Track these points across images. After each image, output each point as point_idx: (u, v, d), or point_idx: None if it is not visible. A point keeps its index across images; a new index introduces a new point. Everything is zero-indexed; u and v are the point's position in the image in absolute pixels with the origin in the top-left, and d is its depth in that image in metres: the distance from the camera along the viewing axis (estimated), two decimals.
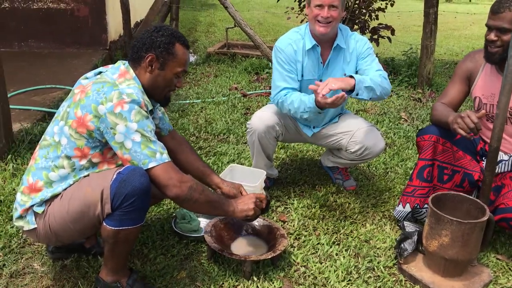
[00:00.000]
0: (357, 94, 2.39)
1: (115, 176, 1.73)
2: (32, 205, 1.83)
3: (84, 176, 1.86)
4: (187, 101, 4.45)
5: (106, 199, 1.72)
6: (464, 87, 2.52)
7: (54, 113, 3.62)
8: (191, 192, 1.83)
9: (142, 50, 1.89)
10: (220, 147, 3.46)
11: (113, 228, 1.75)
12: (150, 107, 1.93)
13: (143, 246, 2.30)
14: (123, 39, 5.83)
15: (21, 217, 1.87)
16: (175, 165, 1.86)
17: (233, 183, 2.27)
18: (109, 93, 1.77)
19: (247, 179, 2.59)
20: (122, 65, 1.92)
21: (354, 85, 2.36)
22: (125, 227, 1.76)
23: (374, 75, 2.51)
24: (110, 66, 1.98)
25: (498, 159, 2.30)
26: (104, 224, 1.77)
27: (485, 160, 2.36)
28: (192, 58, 6.19)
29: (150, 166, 1.77)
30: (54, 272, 2.12)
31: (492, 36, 2.24)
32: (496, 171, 2.35)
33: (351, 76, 2.40)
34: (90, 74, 1.96)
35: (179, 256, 2.26)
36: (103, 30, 5.52)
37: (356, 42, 2.65)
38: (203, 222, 2.50)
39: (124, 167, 1.76)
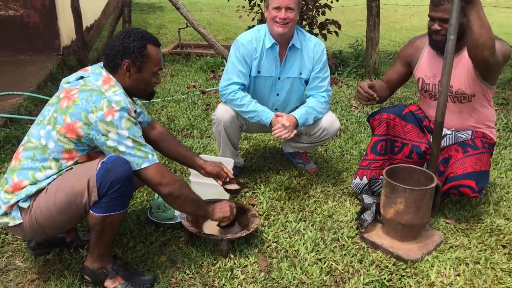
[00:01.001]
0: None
1: (99, 165, 1.85)
2: (17, 201, 1.91)
3: (67, 170, 1.95)
4: (147, 101, 4.53)
5: (92, 187, 1.84)
6: (402, 69, 2.79)
7: (17, 119, 3.67)
8: (181, 190, 2.01)
9: (117, 57, 1.97)
10: (185, 142, 3.59)
11: (100, 214, 1.87)
12: (134, 108, 2.05)
13: (122, 237, 2.41)
14: (76, 44, 5.81)
15: (5, 214, 1.94)
16: (159, 152, 2.01)
17: (214, 162, 2.45)
18: (98, 102, 1.86)
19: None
20: (103, 71, 2.00)
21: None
22: (111, 213, 1.88)
23: (317, 103, 2.84)
24: (89, 69, 2.04)
25: (443, 134, 2.57)
26: (91, 212, 1.88)
27: (431, 135, 2.63)
28: None
29: (143, 166, 1.91)
30: (38, 267, 2.19)
31: (436, 26, 2.49)
32: (442, 144, 2.63)
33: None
34: (71, 78, 2.03)
35: (158, 242, 2.39)
36: (55, 36, 5.49)
37: (314, 46, 2.87)
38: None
39: (107, 157, 1.88)
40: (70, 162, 1.95)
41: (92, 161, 1.97)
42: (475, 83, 2.52)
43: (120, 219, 1.96)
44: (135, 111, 2.08)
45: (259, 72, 2.83)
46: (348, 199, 2.84)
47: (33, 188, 1.91)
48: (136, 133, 1.91)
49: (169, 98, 4.63)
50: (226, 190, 2.50)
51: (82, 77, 2.01)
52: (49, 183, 1.92)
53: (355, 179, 2.75)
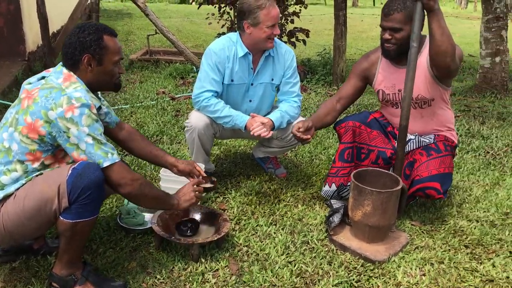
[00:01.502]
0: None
1: (70, 171, 1.83)
2: None
3: (37, 175, 1.93)
4: (116, 107, 4.50)
5: (63, 193, 1.81)
6: (359, 83, 2.84)
7: None
8: (141, 188, 1.99)
9: (75, 54, 1.95)
10: None
11: (70, 221, 1.84)
12: (98, 104, 2.03)
13: (91, 242, 2.38)
14: (42, 50, 5.71)
15: None
16: (129, 153, 2.00)
17: (186, 160, 2.44)
18: (58, 99, 1.83)
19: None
20: (64, 69, 1.98)
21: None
22: (82, 219, 1.86)
23: (289, 107, 2.90)
24: (51, 70, 2.03)
25: (407, 139, 2.65)
26: (61, 218, 1.85)
27: (396, 140, 2.71)
28: None
29: (105, 165, 1.89)
30: (4, 275, 2.14)
31: (387, 35, 2.57)
32: (407, 149, 2.71)
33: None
34: (33, 79, 2.01)
35: (128, 248, 2.37)
36: (20, 41, 5.38)
37: (285, 52, 2.93)
38: (147, 216, 2.62)
39: (78, 163, 1.86)
40: (36, 164, 1.92)
41: (62, 166, 1.95)
42: (433, 86, 2.62)
43: (90, 225, 1.94)
44: (99, 108, 2.07)
45: (232, 80, 2.86)
46: (318, 202, 2.89)
47: (0, 194, 1.87)
48: (96, 131, 1.88)
49: (138, 104, 4.60)
50: None
51: (43, 77, 1.99)
52: (17, 189, 1.89)
53: (324, 186, 2.80)
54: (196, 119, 2.81)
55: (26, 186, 1.89)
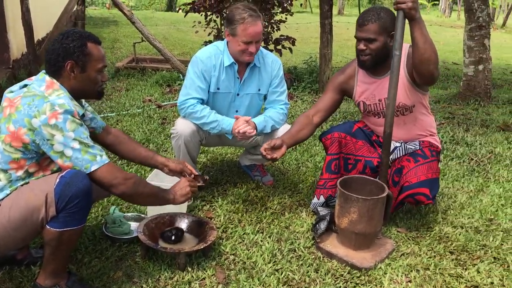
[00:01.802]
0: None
1: (58, 180, 1.81)
2: None
3: (22, 184, 1.90)
4: (102, 115, 4.47)
5: (50, 202, 1.80)
6: (335, 96, 2.83)
7: None
8: (135, 187, 1.97)
9: (58, 60, 1.93)
10: None
11: (57, 230, 1.83)
12: (82, 111, 2.02)
13: (76, 252, 2.35)
14: (27, 57, 5.66)
15: None
16: (118, 156, 2.00)
17: (177, 160, 2.45)
18: (41, 106, 1.82)
19: (172, 180, 2.73)
20: (47, 76, 1.96)
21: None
22: (69, 228, 1.84)
23: (274, 113, 2.91)
24: (34, 78, 2.01)
25: (392, 146, 2.68)
26: (48, 227, 1.83)
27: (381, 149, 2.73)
28: None
29: (93, 169, 1.87)
30: None
31: (362, 46, 2.59)
32: (394, 156, 2.73)
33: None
34: (15, 87, 1.99)
35: (113, 258, 2.35)
36: (5, 49, 5.33)
37: (271, 62, 2.95)
38: (133, 225, 2.60)
39: (65, 171, 1.84)
40: (20, 172, 1.90)
41: (47, 174, 1.93)
42: (412, 93, 2.65)
43: (78, 235, 1.92)
44: (83, 115, 2.06)
45: (218, 88, 2.86)
46: (305, 210, 2.90)
47: None
48: (82, 134, 1.86)
49: (124, 112, 4.58)
50: None
51: (25, 85, 1.97)
52: (2, 199, 1.86)
53: (313, 198, 2.81)
54: (182, 126, 2.80)
55: (12, 196, 1.86)
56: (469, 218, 2.85)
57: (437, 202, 3.03)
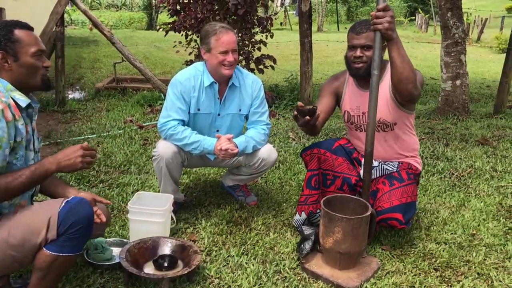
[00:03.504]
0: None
1: (63, 204, 1.82)
2: None
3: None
4: (82, 137, 4.42)
5: (52, 226, 1.79)
6: (330, 99, 2.85)
7: None
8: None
9: None
10: (122, 178, 3.51)
11: (53, 253, 1.81)
12: (27, 101, 1.92)
13: None
14: None
15: None
16: None
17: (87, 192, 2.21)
18: None
19: (155, 204, 2.70)
20: None
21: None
22: (64, 254, 1.83)
23: (256, 133, 2.91)
24: None
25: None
26: (44, 249, 1.82)
27: (361, 167, 2.75)
28: (79, 95, 6.15)
29: None
30: None
31: (358, 53, 2.63)
32: (371, 177, 2.74)
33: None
34: None
35: (95, 285, 2.29)
36: None
37: (252, 83, 2.96)
38: (116, 250, 2.55)
39: (72, 197, 1.87)
40: None
41: (54, 199, 1.93)
42: (395, 111, 2.68)
43: (70, 263, 1.90)
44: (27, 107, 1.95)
45: (198, 109, 2.86)
46: (289, 230, 2.88)
47: None
48: None
49: (105, 134, 4.53)
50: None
51: None
52: None
53: (295, 215, 2.81)
54: (163, 148, 2.78)
55: (10, 217, 1.85)
56: (452, 233, 2.87)
57: (420, 218, 3.05)
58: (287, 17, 24.71)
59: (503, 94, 5.84)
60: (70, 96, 6.40)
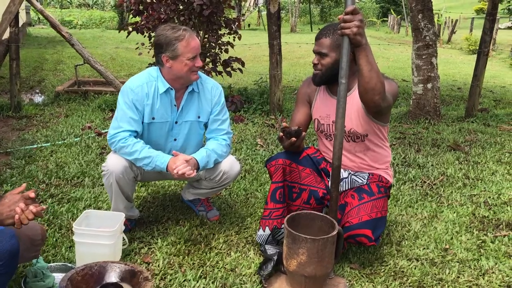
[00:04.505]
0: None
1: None
2: None
3: None
4: (35, 146, 4.12)
5: None
6: (306, 110, 2.72)
7: None
8: None
9: None
10: (74, 192, 3.25)
11: None
12: None
13: None
14: None
15: None
16: None
17: None
18: None
19: (104, 224, 2.47)
20: None
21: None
22: None
23: (217, 145, 2.71)
24: None
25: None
26: None
27: (329, 178, 2.57)
28: (39, 99, 5.82)
29: None
30: None
31: (315, 60, 2.50)
32: (340, 189, 2.57)
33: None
34: None
35: None
36: None
37: (211, 88, 2.75)
38: (58, 277, 2.30)
39: None
40: None
41: None
42: (366, 122, 2.52)
43: None
44: None
45: (153, 118, 2.63)
46: (252, 248, 2.68)
47: None
48: None
49: (59, 142, 4.24)
50: None
51: None
52: None
53: (258, 230, 2.61)
54: (113, 162, 2.54)
55: None
56: (424, 248, 2.72)
57: (391, 232, 2.90)
58: (260, 18, 24.56)
59: (474, 97, 5.77)
60: (28, 100, 6.05)
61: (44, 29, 16.99)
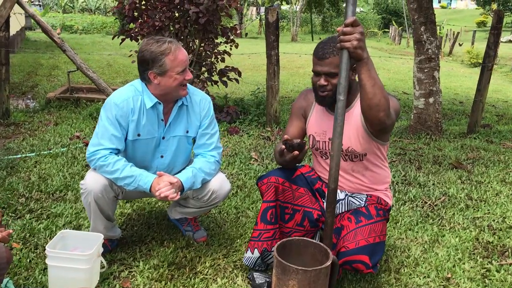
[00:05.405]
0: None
1: None
2: None
3: None
4: (19, 156, 3.95)
5: None
6: (299, 122, 2.56)
7: None
8: None
9: None
10: (55, 207, 3.07)
11: None
12: None
13: None
14: None
15: None
16: None
17: None
18: None
19: (81, 246, 2.30)
20: None
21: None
22: None
23: (205, 163, 2.54)
24: None
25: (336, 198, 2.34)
26: None
27: (325, 200, 2.40)
28: (31, 105, 5.66)
29: None
30: None
31: (322, 81, 2.29)
32: (336, 212, 2.39)
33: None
34: None
35: None
36: None
37: (200, 100, 2.59)
38: None
39: None
40: None
41: None
42: (366, 141, 2.35)
43: None
44: None
45: (139, 135, 2.46)
46: (240, 274, 2.50)
47: None
48: None
49: (45, 152, 4.06)
50: None
51: None
52: None
53: (246, 252, 2.43)
54: (91, 180, 2.36)
55: None
56: (424, 277, 2.54)
57: (390, 258, 2.72)
58: (261, 26, 24.51)
59: (477, 113, 5.61)
60: (20, 107, 5.88)
61: (43, 34, 16.91)
